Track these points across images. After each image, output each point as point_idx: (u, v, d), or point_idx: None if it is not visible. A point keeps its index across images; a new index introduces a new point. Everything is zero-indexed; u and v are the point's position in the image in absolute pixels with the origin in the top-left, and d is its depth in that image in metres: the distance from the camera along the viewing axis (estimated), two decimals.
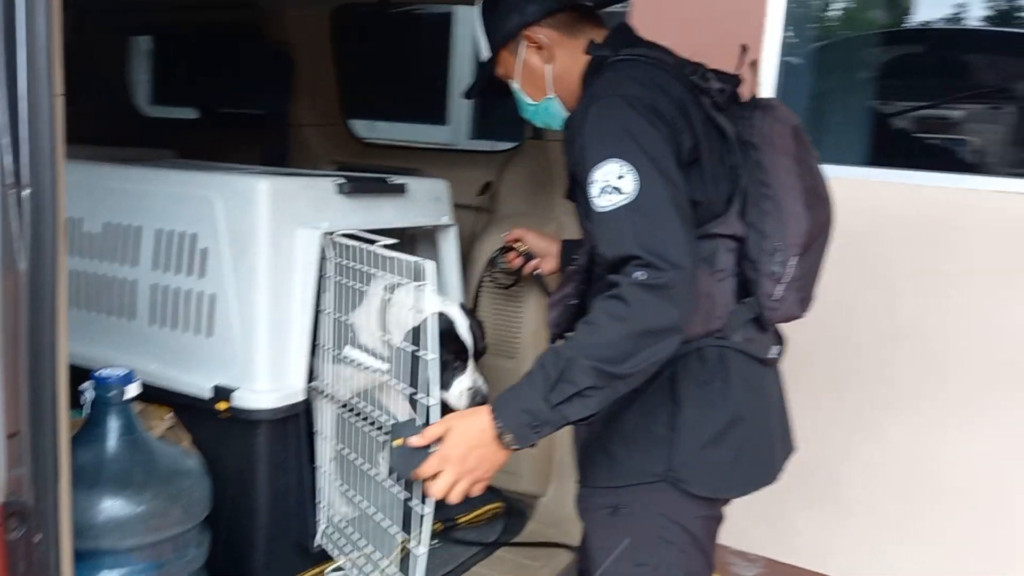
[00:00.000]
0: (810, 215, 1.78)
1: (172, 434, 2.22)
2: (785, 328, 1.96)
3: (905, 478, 3.32)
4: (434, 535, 2.80)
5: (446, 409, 1.98)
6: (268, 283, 2.21)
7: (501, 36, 1.98)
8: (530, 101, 2.03)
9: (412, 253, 2.87)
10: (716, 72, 1.88)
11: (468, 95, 2.27)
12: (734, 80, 1.88)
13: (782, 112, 1.83)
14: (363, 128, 3.69)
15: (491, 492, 2.93)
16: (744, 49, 1.99)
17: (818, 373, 3.18)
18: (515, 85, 2.03)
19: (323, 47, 3.60)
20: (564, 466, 2.98)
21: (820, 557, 3.49)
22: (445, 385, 2.16)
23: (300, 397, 2.27)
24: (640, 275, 1.55)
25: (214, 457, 2.23)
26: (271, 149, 3.67)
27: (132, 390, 1.80)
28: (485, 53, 2.04)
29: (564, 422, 1.60)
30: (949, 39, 5.02)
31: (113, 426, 1.78)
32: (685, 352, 1.75)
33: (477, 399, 2.18)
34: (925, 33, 5.06)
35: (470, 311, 2.27)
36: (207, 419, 2.26)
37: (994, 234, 3.11)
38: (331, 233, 2.29)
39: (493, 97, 2.21)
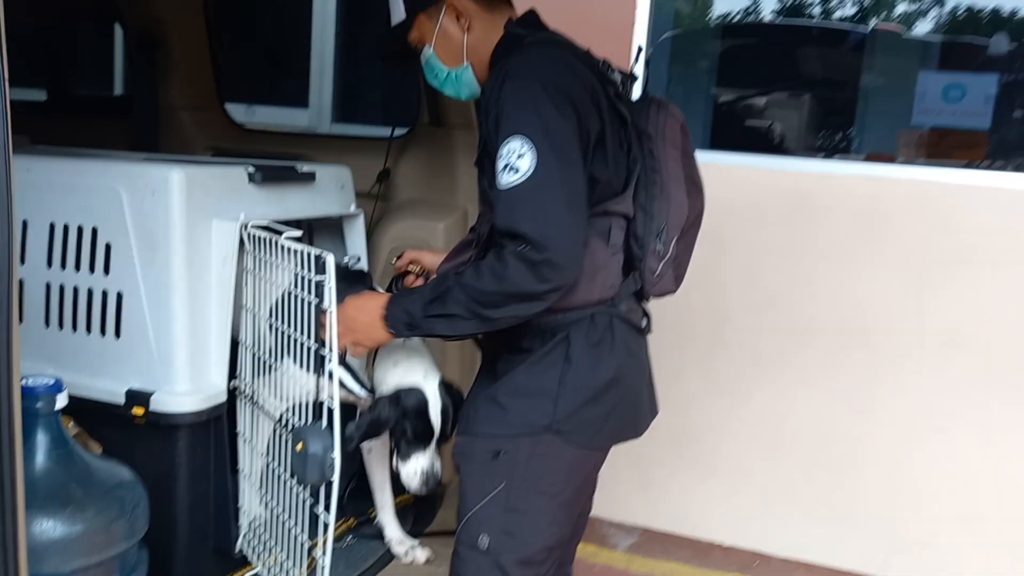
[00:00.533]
0: (689, 202, 1.96)
1: (79, 444, 2.06)
2: (661, 304, 2.11)
3: (770, 440, 3.56)
4: (349, 531, 2.76)
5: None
6: (184, 279, 2.09)
7: (416, 5, 2.01)
8: (444, 68, 2.03)
9: (315, 243, 2.86)
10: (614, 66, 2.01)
11: (382, 57, 2.25)
12: (630, 76, 2.02)
13: (673, 109, 1.99)
14: (240, 113, 3.52)
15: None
16: (640, 50, 2.28)
17: (689, 345, 3.33)
18: (429, 51, 2.03)
19: (196, 25, 3.40)
20: None
21: (694, 522, 3.67)
22: (403, 456, 2.16)
23: (222, 398, 2.16)
24: (522, 248, 1.69)
25: (128, 463, 2.10)
26: (139, 134, 3.45)
27: (61, 400, 1.66)
28: (400, 15, 2.04)
29: (432, 332, 1.87)
30: (780, 33, 5.34)
31: (42, 440, 1.64)
32: (580, 318, 1.89)
33: (430, 483, 2.18)
34: (758, 28, 5.36)
35: (449, 388, 2.24)
36: (119, 426, 2.11)
37: (839, 213, 3.37)
38: (246, 225, 2.19)
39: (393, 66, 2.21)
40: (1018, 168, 3.67)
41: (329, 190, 2.61)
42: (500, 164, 1.74)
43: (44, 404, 1.64)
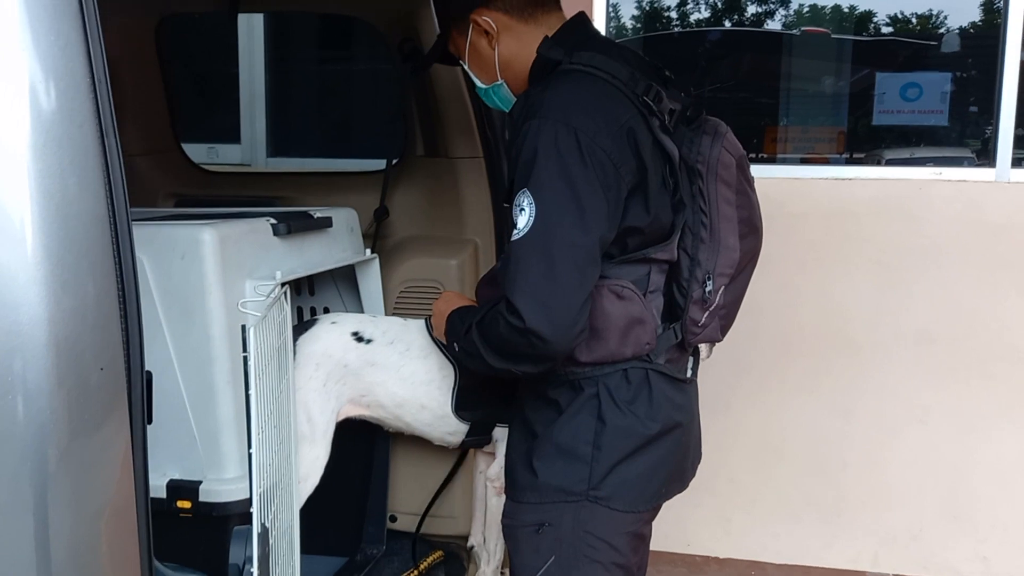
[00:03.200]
0: (742, 246, 1.82)
1: None
2: None
3: (757, 449, 3.57)
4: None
5: None
6: (226, 349, 1.86)
7: (449, 16, 1.96)
8: (480, 84, 1.95)
9: (317, 293, 2.65)
10: (668, 89, 1.83)
11: (416, 69, 2.25)
12: (686, 100, 1.84)
13: (729, 140, 1.81)
14: (199, 154, 3.24)
15: (427, 544, 2.72)
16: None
17: None
18: (465, 66, 1.95)
19: (148, 61, 3.12)
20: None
21: (687, 538, 3.65)
22: None
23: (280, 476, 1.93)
24: (512, 319, 1.60)
25: (177, 563, 1.85)
26: None
27: None
28: (436, 28, 2.05)
29: (464, 358, 1.82)
30: (713, 38, 5.38)
31: None
32: (612, 372, 1.78)
33: None
34: (692, 34, 5.39)
35: None
36: (162, 523, 1.85)
37: (810, 218, 3.40)
38: (284, 284, 1.97)
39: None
40: (978, 163, 3.77)
41: (342, 236, 2.41)
42: (513, 212, 1.66)
43: None
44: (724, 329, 1.90)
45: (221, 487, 1.85)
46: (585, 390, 1.77)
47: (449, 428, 2.24)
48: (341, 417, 2.16)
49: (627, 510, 1.78)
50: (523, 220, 1.61)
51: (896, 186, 3.42)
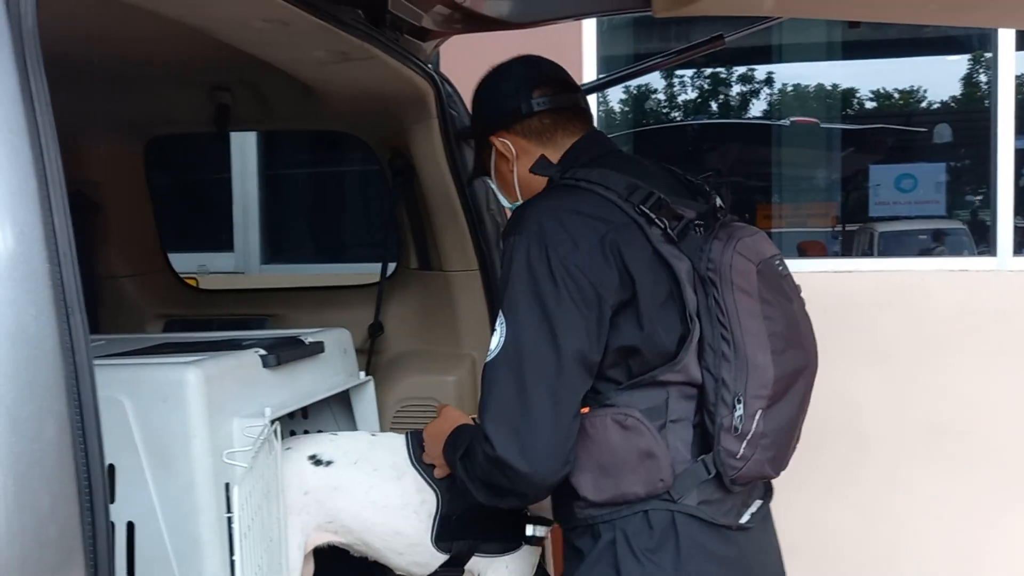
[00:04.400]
0: (778, 363, 1.61)
1: None
2: None
3: None
4: None
5: None
6: (213, 499, 1.75)
7: (474, 136, 1.97)
8: (505, 202, 1.95)
9: (311, 419, 2.54)
10: (684, 198, 1.71)
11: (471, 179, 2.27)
12: (702, 207, 1.70)
13: (747, 246, 1.63)
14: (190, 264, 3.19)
15: None
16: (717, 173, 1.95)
17: None
18: (491, 183, 1.96)
19: (136, 183, 3.08)
20: None
21: None
22: None
23: None
24: (486, 448, 1.54)
25: None
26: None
27: None
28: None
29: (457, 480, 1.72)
30: (701, 130, 5.42)
31: None
32: (628, 515, 1.59)
33: None
34: (681, 127, 5.43)
35: None
36: None
37: (820, 312, 3.30)
38: (273, 421, 1.88)
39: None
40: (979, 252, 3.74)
41: (335, 359, 2.32)
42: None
43: None
44: (776, 463, 1.66)
45: None
46: (603, 536, 1.60)
47: (422, 558, 2.06)
48: (310, 548, 2.01)
49: None
50: (495, 341, 1.56)
51: (897, 277, 3.38)
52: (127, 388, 1.78)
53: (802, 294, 1.74)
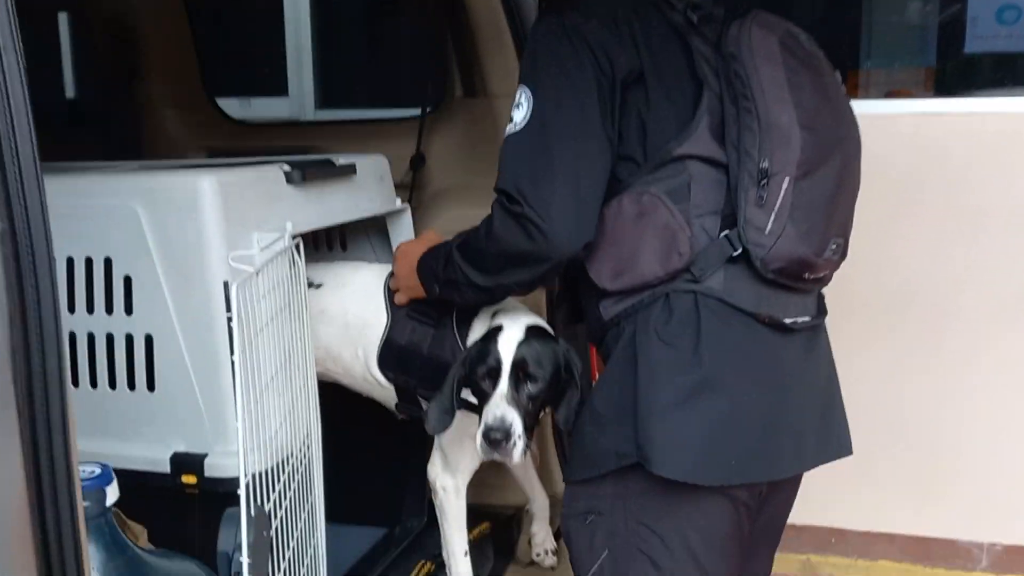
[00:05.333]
0: (808, 132, 1.49)
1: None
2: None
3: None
4: None
5: None
6: (236, 304, 1.67)
7: None
8: None
9: (349, 248, 2.47)
10: None
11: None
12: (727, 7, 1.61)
13: (764, 19, 1.57)
14: (231, 108, 3.08)
15: (473, 515, 2.53)
16: None
17: None
18: None
19: (176, 13, 2.95)
20: (549, 470, 2.62)
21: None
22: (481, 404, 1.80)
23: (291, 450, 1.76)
24: (511, 206, 1.51)
25: (181, 546, 1.69)
26: (116, 139, 3.00)
27: (112, 493, 1.26)
28: None
29: (450, 294, 1.74)
30: None
31: (96, 550, 1.23)
32: (649, 301, 1.52)
33: (491, 434, 1.71)
34: None
35: (544, 334, 1.83)
36: (166, 500, 1.71)
37: (894, 159, 3.04)
38: (296, 236, 1.78)
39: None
40: None
41: (369, 185, 2.20)
42: (512, 108, 1.58)
43: (92, 504, 1.23)
44: (811, 239, 1.50)
45: (227, 460, 1.67)
46: (626, 330, 1.55)
47: (376, 389, 2.05)
48: None
49: (683, 479, 1.46)
50: (520, 114, 1.54)
51: (993, 121, 3.05)
52: (141, 197, 1.70)
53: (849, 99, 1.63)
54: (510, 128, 1.55)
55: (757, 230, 1.48)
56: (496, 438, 1.71)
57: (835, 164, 1.53)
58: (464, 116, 2.63)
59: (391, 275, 1.98)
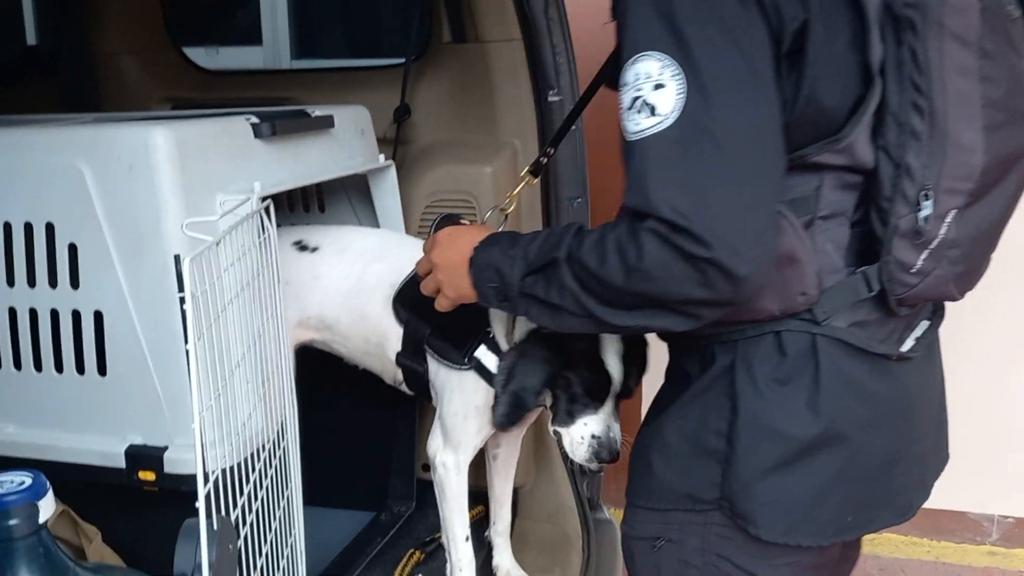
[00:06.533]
0: (992, 144, 1.18)
1: (65, 533, 1.47)
2: None
3: None
4: (417, 566, 2.21)
5: None
6: (189, 283, 1.46)
7: None
8: None
9: (328, 208, 2.26)
10: None
11: None
12: None
13: None
14: (199, 57, 2.82)
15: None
16: None
17: None
18: None
19: None
20: (547, 451, 2.44)
21: None
22: (564, 419, 1.63)
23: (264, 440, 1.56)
24: (664, 231, 1.07)
25: (138, 549, 1.52)
26: (70, 91, 2.75)
27: (46, 507, 1.06)
28: None
29: (524, 312, 1.29)
30: None
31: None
32: (754, 335, 1.24)
33: (603, 454, 1.61)
34: None
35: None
36: (121, 497, 1.52)
37: None
38: (266, 198, 1.57)
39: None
40: None
41: (348, 139, 1.98)
42: (626, 98, 1.11)
43: (21, 521, 1.03)
44: (964, 282, 1.26)
45: (190, 455, 1.46)
46: (717, 360, 1.27)
47: (373, 358, 1.89)
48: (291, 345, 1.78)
49: (779, 541, 1.26)
50: (668, 99, 1.07)
51: None
52: (86, 154, 1.48)
53: None
54: (651, 124, 1.09)
55: (903, 269, 1.20)
56: (605, 459, 1.62)
57: (1012, 181, 1.25)
58: (452, 64, 2.40)
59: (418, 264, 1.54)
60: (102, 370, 1.52)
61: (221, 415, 1.33)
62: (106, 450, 1.50)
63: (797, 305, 1.22)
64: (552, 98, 2.24)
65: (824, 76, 1.15)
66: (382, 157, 2.06)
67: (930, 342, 1.35)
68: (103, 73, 2.74)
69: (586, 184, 2.26)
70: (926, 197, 1.16)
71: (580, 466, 1.93)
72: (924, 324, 1.33)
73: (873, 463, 1.28)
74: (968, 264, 1.24)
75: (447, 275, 1.39)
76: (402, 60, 2.43)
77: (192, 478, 1.45)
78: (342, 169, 1.91)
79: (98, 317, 1.51)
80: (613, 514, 2.36)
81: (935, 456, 1.41)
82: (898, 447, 1.30)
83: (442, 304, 1.44)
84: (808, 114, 1.16)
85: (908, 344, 1.29)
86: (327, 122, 1.87)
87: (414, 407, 2.26)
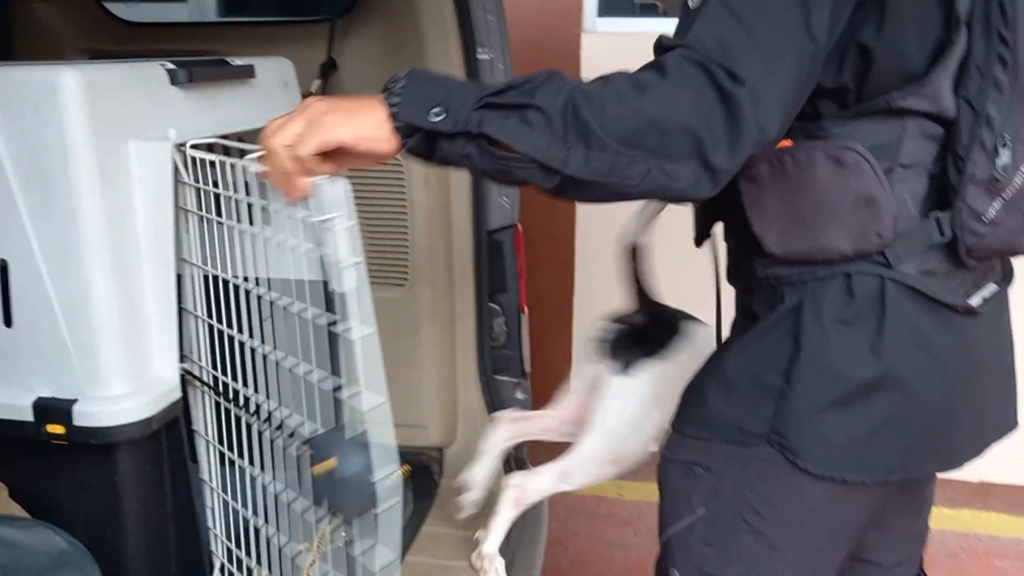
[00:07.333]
0: None
1: None
2: None
3: None
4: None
5: None
6: (102, 232, 1.42)
7: None
8: None
9: None
10: None
11: None
12: None
13: None
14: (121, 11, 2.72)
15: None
16: None
17: None
18: None
19: None
20: (471, 412, 2.44)
21: None
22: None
23: (176, 395, 1.53)
24: (696, 54, 1.08)
25: (48, 505, 1.48)
26: None
27: None
28: None
29: (465, 129, 1.10)
30: None
31: None
32: (827, 277, 1.26)
33: None
34: None
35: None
36: (28, 452, 1.47)
37: None
38: (182, 145, 1.52)
39: None
40: None
41: (271, 90, 1.93)
42: None
43: None
44: None
45: (102, 408, 1.43)
46: (786, 300, 1.28)
47: None
48: None
49: (825, 477, 1.27)
50: None
51: None
52: None
53: None
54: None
55: (975, 217, 1.23)
56: None
57: None
58: (381, 19, 2.35)
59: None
60: (7, 320, 1.46)
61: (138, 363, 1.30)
62: (12, 402, 1.45)
63: (871, 247, 1.24)
64: (481, 55, 2.22)
65: (908, 21, 1.17)
66: None
67: (997, 305, 1.37)
68: (15, 21, 2.63)
69: None
70: (1004, 145, 1.19)
71: None
72: (992, 287, 1.35)
73: (927, 411, 1.30)
74: None
75: (340, 114, 1.20)
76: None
77: (103, 431, 1.43)
78: (263, 120, 1.82)
79: (2, 266, 1.45)
80: None
81: (995, 419, 1.42)
82: (954, 400, 1.32)
83: (298, 158, 1.23)
84: (892, 56, 1.18)
85: (976, 300, 1.31)
86: (247, 71, 1.82)
87: None
